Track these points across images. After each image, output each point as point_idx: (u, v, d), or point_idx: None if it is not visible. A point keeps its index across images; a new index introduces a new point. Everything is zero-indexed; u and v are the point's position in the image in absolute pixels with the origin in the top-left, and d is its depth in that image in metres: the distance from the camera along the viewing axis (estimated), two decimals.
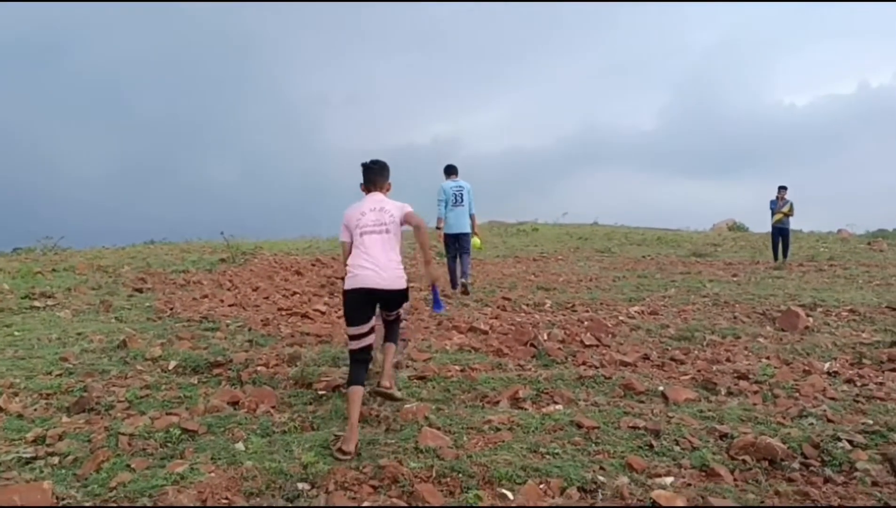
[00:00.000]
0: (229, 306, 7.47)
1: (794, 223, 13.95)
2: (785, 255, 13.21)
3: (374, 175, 4.12)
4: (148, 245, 14.54)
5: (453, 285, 8.94)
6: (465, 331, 6.26)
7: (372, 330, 3.84)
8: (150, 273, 9.61)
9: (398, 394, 4.07)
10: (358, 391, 3.58)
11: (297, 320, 6.75)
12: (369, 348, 3.82)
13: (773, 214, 13.34)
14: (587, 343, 5.76)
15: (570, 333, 6.13)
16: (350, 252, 3.95)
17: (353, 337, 3.77)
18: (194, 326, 6.29)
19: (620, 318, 7.06)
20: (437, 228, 8.81)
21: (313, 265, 11.55)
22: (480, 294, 8.78)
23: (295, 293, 8.45)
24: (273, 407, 3.98)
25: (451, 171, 8.95)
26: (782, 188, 13.28)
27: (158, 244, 14.74)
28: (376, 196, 4.05)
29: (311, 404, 4.07)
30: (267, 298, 8.10)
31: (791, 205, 13.22)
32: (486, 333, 6.14)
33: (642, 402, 4.10)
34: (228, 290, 8.64)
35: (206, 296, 8.07)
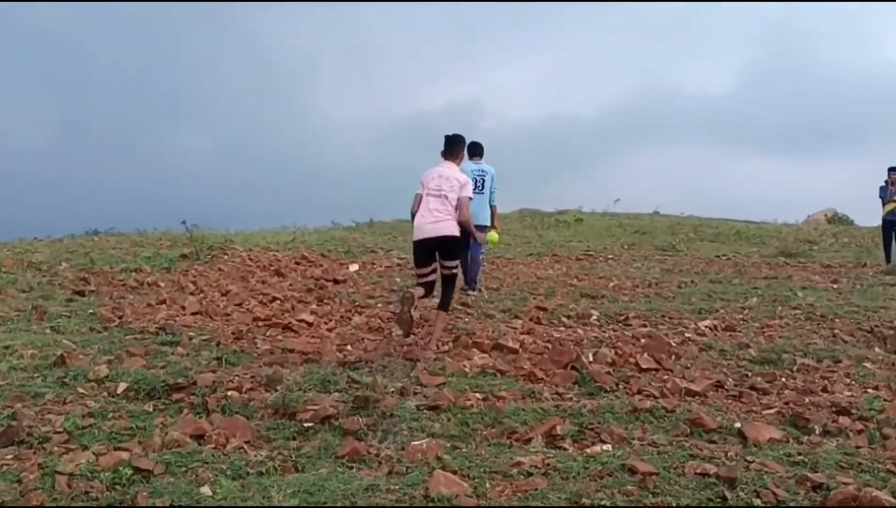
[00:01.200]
0: (193, 314, 7.54)
1: None
2: (888, 259, 13.04)
3: (451, 147, 6.62)
4: (91, 237, 14.70)
5: (465, 280, 9.23)
6: (489, 349, 6.27)
7: (434, 271, 6.34)
8: (95, 272, 9.73)
9: (434, 358, 5.96)
10: (418, 290, 6.23)
11: (277, 332, 6.80)
12: (433, 283, 6.38)
13: (883, 204, 13.17)
14: (644, 367, 5.75)
15: (623, 353, 6.12)
16: (416, 203, 6.50)
17: (419, 276, 6.45)
18: (149, 339, 6.36)
19: (687, 335, 7.04)
20: None
21: (298, 264, 11.62)
22: (509, 303, 8.78)
23: (275, 299, 8.51)
24: (247, 442, 4.02)
25: (474, 151, 9.24)
26: (893, 171, 13.06)
27: (104, 236, 14.89)
28: (448, 165, 6.56)
29: (294, 438, 4.11)
30: (240, 305, 8.16)
31: None
32: (515, 352, 6.15)
33: (713, 442, 4.08)
34: (192, 294, 8.72)
35: (163, 302, 8.15)
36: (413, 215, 6.59)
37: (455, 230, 6.33)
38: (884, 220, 13.23)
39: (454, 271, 6.46)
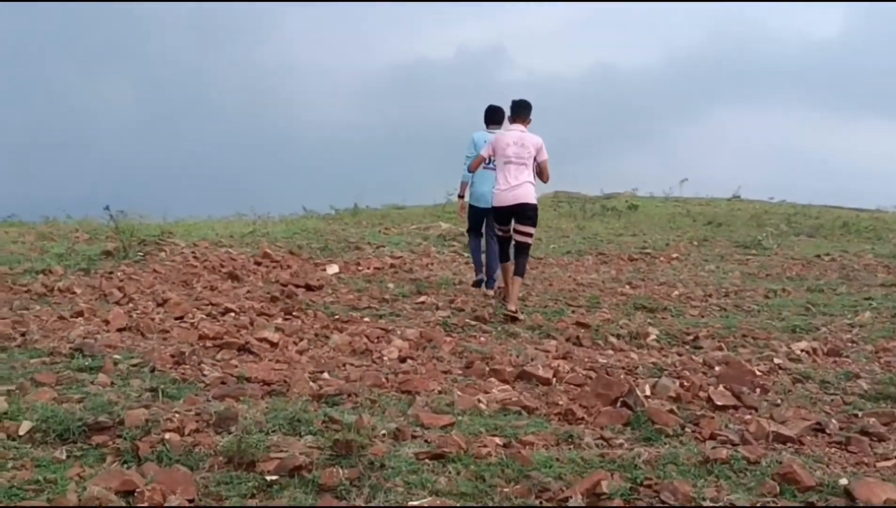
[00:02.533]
0: (119, 330, 7.56)
1: None
2: None
3: (520, 110, 9.08)
4: None
5: (478, 280, 10.60)
6: (512, 379, 6.29)
7: (516, 231, 9.06)
8: None
9: (521, 317, 8.76)
10: (508, 265, 9.10)
11: (231, 355, 6.81)
12: (509, 238, 9.20)
13: None
14: (719, 403, 5.75)
15: (691, 385, 6.13)
16: (479, 165, 9.33)
17: (500, 231, 9.30)
18: (61, 363, 6.38)
19: (777, 361, 7.04)
20: (460, 196, 10.64)
21: (258, 265, 11.66)
22: (539, 317, 8.80)
23: (228, 312, 8.53)
24: (190, 501, 4.03)
25: (493, 117, 10.41)
26: None
27: (1, 226, 14.96)
28: (518, 129, 9.01)
29: (253, 496, 4.12)
30: (181, 318, 8.19)
31: None
32: (547, 382, 6.17)
33: (812, 504, 4.09)
34: (117, 304, 8.75)
35: (80, 314, 8.18)
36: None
37: (534, 197, 9.05)
38: None
39: (529, 239, 9.16)
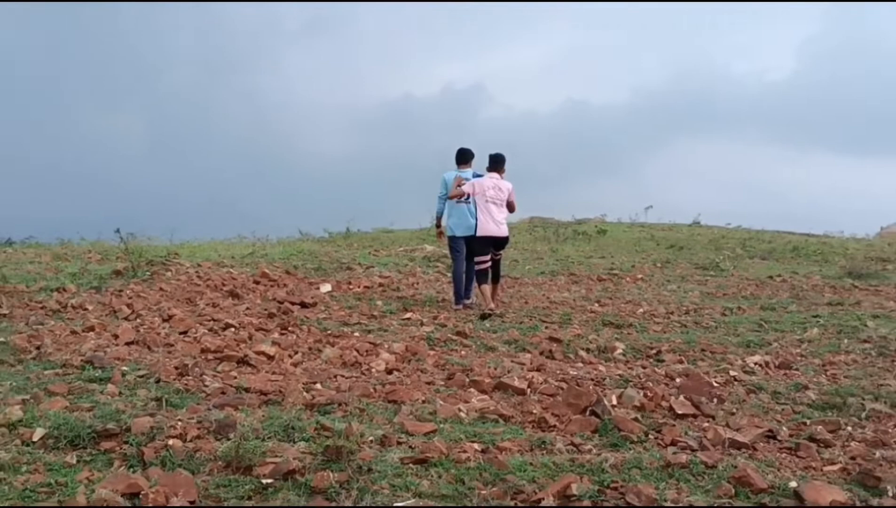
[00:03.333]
0: (127, 344, 7.53)
1: None
2: None
3: (496, 163, 11.00)
4: (3, 248, 14.71)
5: (457, 298, 11.10)
6: (490, 390, 6.29)
7: (490, 260, 10.79)
8: (7, 292, 9.72)
9: (498, 311, 10.37)
10: (486, 287, 10.73)
11: (230, 367, 6.80)
12: (487, 269, 10.80)
13: None
14: (679, 412, 5.77)
15: (654, 395, 6.14)
16: (461, 195, 10.72)
17: (479, 263, 10.78)
18: (73, 374, 6.35)
19: (732, 373, 7.07)
20: (437, 225, 11.73)
21: (257, 283, 11.65)
22: (515, 332, 8.81)
23: (228, 327, 8.52)
24: (191, 502, 4.01)
25: (463, 158, 11.21)
26: None
27: (19, 247, 14.90)
28: (495, 177, 10.86)
29: (250, 497, 4.10)
30: (185, 333, 8.17)
31: None
32: (522, 393, 6.17)
33: (764, 505, 4.10)
34: (126, 319, 8.72)
35: (91, 328, 8.15)
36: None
37: (507, 232, 11.17)
38: None
39: (500, 256, 11.24)
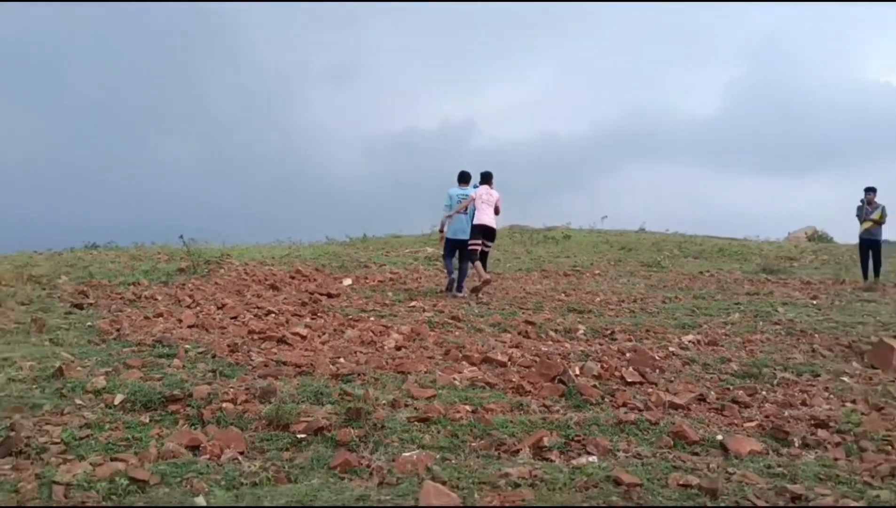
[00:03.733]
0: (189, 327, 7.52)
1: (886, 233, 13.83)
2: (877, 273, 13.12)
3: (486, 178, 11.29)
4: (90, 250, 14.67)
5: (450, 281, 11.40)
6: (479, 362, 6.29)
7: (481, 246, 11.04)
8: (93, 285, 9.70)
9: (490, 278, 11.19)
10: (479, 264, 10.89)
11: (271, 345, 6.79)
12: (478, 250, 10.95)
13: (860, 222, 13.28)
14: (629, 380, 5.77)
15: (609, 367, 6.14)
16: (466, 207, 11.14)
17: (472, 246, 10.98)
18: (146, 351, 6.35)
19: (671, 349, 7.07)
20: (441, 230, 11.70)
21: (292, 278, 11.63)
22: (498, 317, 8.81)
23: (270, 313, 8.51)
24: (241, 453, 4.01)
25: (463, 178, 11.58)
26: (870, 190, 13.21)
27: (103, 250, 14.87)
28: (487, 187, 11.18)
29: (287, 449, 4.10)
30: (235, 318, 8.15)
31: (883, 210, 13.13)
32: (504, 365, 6.17)
33: (696, 454, 4.10)
34: (188, 307, 8.71)
35: (160, 314, 8.14)
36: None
37: (495, 226, 11.28)
38: (860, 238, 13.34)
39: (490, 249, 11.50)
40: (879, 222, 13.10)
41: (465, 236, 11.17)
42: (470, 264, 11.09)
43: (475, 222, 11.03)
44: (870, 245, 13.19)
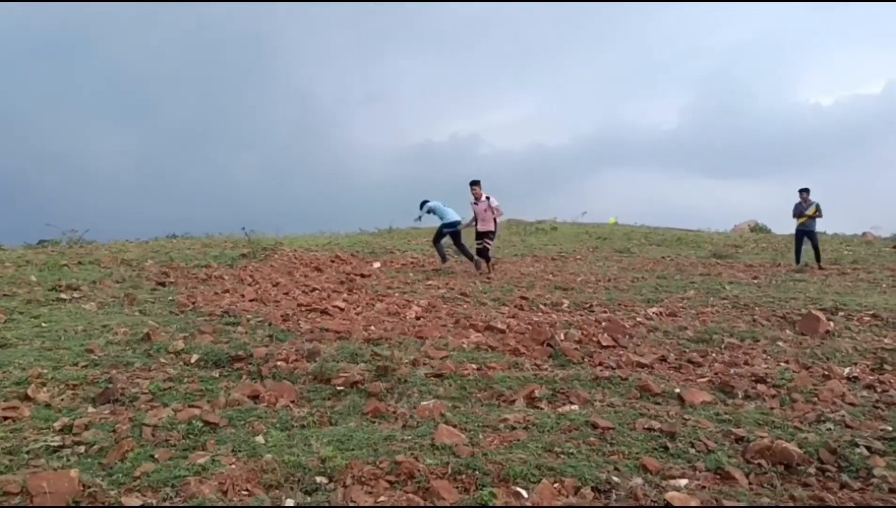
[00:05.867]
0: (250, 301, 7.56)
1: (821, 225, 13.63)
2: (818, 259, 12.89)
3: (474, 184, 11.28)
4: (170, 239, 14.75)
5: (444, 261, 11.81)
6: (483, 330, 6.29)
7: (480, 244, 11.22)
8: (173, 267, 9.76)
9: (490, 273, 10.90)
10: (482, 260, 11.13)
11: (316, 315, 6.82)
12: (483, 248, 11.18)
13: (796, 216, 13.13)
14: (604, 344, 5.76)
15: (588, 333, 6.13)
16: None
17: (479, 244, 11.20)
18: (215, 320, 6.39)
19: (638, 319, 7.05)
20: (420, 208, 11.87)
21: (332, 262, 11.64)
22: (498, 293, 8.80)
23: (314, 289, 8.53)
24: (292, 402, 4.04)
25: (471, 184, 11.51)
26: (804, 191, 13.09)
27: (180, 239, 14.93)
28: (486, 203, 11.10)
29: (329, 399, 4.13)
30: (287, 293, 8.18)
31: (817, 206, 12.98)
32: (503, 332, 6.17)
33: (658, 404, 4.10)
34: (249, 285, 8.74)
35: (227, 291, 8.18)
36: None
37: (486, 229, 11.24)
38: (797, 229, 13.21)
39: (489, 245, 11.28)
40: (813, 217, 12.96)
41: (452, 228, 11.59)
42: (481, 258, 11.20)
43: (479, 228, 11.26)
44: (807, 235, 13.05)
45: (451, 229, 11.68)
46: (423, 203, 12.00)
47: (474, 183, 11.37)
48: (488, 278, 10.52)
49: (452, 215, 11.77)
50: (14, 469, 3.03)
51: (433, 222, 12.36)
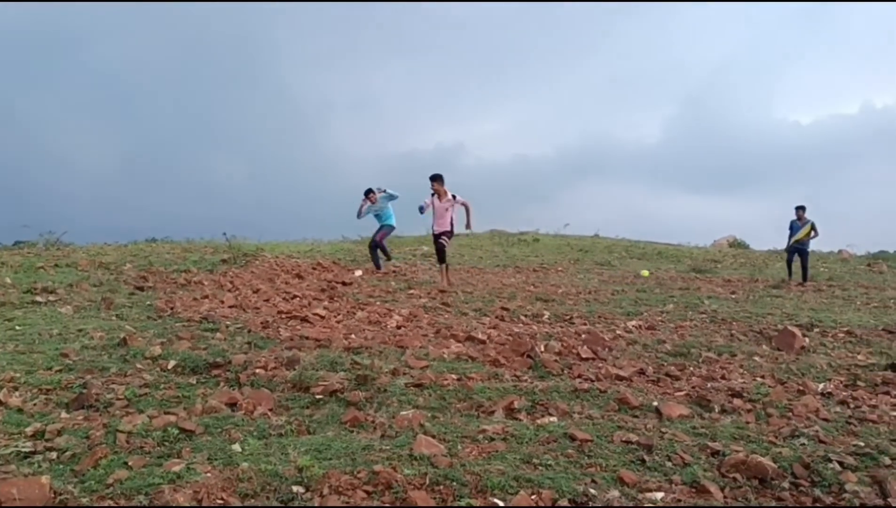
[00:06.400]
0: (229, 307, 7.50)
1: (811, 244, 13.54)
2: (805, 277, 12.89)
3: (437, 181, 10.39)
4: (150, 243, 14.57)
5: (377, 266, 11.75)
6: (463, 340, 6.29)
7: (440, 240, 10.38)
8: (152, 272, 9.65)
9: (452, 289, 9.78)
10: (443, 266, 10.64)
11: (296, 323, 6.77)
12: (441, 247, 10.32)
13: (792, 234, 13.08)
14: (584, 356, 5.78)
15: (567, 345, 6.15)
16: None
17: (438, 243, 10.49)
18: (194, 326, 6.32)
19: (618, 332, 7.09)
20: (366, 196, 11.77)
21: (314, 269, 11.58)
22: (480, 303, 8.81)
23: (295, 297, 8.48)
24: (270, 410, 4.01)
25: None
26: (800, 208, 13.02)
27: (160, 243, 14.76)
28: (444, 196, 10.36)
29: (308, 408, 4.10)
30: (267, 300, 8.13)
31: (812, 225, 12.93)
32: (483, 342, 6.17)
33: (636, 417, 4.12)
34: (229, 291, 8.67)
35: (206, 297, 8.10)
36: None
37: (442, 229, 10.58)
38: (790, 246, 13.14)
39: (445, 245, 10.58)
40: (806, 238, 12.96)
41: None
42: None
43: (435, 229, 10.64)
44: (798, 252, 13.07)
45: (390, 231, 11.87)
46: (376, 190, 11.70)
47: (434, 178, 10.48)
48: (444, 289, 9.85)
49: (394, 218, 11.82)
50: None
51: (372, 223, 12.22)
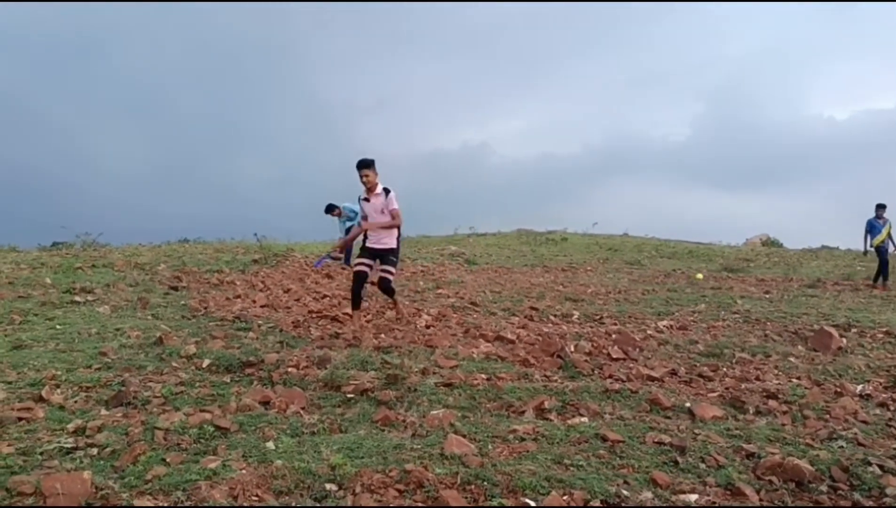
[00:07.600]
0: (261, 306, 7.60)
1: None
2: (886, 278, 12.21)
3: (368, 168, 6.31)
4: (183, 243, 14.87)
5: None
6: (492, 340, 6.28)
7: (384, 270, 6.55)
8: (186, 272, 9.83)
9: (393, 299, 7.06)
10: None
11: (326, 322, 6.84)
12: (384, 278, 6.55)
13: (873, 234, 12.43)
14: (614, 356, 5.74)
15: (598, 345, 6.11)
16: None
17: (378, 268, 6.58)
18: (227, 325, 6.43)
19: (649, 332, 7.02)
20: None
21: (343, 269, 11.68)
22: (508, 303, 8.80)
23: (325, 296, 8.56)
24: (303, 408, 4.05)
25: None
26: (881, 207, 12.41)
27: (193, 243, 15.06)
28: (377, 183, 6.41)
29: (339, 406, 4.14)
30: (298, 300, 8.22)
31: (889, 225, 12.41)
32: (513, 342, 6.16)
33: (668, 418, 4.07)
34: (261, 291, 8.79)
35: (238, 296, 8.23)
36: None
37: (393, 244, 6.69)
38: (877, 247, 12.44)
39: (388, 274, 6.58)
40: (887, 238, 12.38)
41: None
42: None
43: (370, 243, 6.58)
44: (877, 253, 12.41)
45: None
46: (335, 206, 11.30)
47: (366, 164, 6.32)
48: (394, 325, 6.91)
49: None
50: (28, 470, 3.05)
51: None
